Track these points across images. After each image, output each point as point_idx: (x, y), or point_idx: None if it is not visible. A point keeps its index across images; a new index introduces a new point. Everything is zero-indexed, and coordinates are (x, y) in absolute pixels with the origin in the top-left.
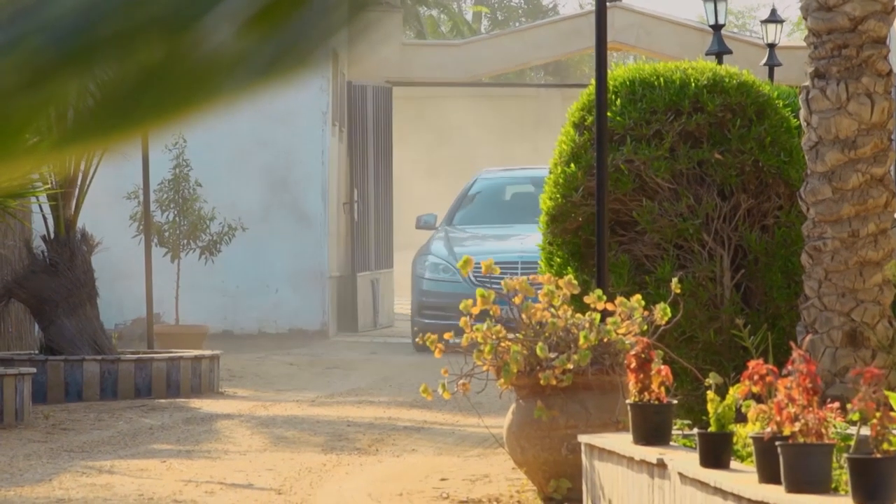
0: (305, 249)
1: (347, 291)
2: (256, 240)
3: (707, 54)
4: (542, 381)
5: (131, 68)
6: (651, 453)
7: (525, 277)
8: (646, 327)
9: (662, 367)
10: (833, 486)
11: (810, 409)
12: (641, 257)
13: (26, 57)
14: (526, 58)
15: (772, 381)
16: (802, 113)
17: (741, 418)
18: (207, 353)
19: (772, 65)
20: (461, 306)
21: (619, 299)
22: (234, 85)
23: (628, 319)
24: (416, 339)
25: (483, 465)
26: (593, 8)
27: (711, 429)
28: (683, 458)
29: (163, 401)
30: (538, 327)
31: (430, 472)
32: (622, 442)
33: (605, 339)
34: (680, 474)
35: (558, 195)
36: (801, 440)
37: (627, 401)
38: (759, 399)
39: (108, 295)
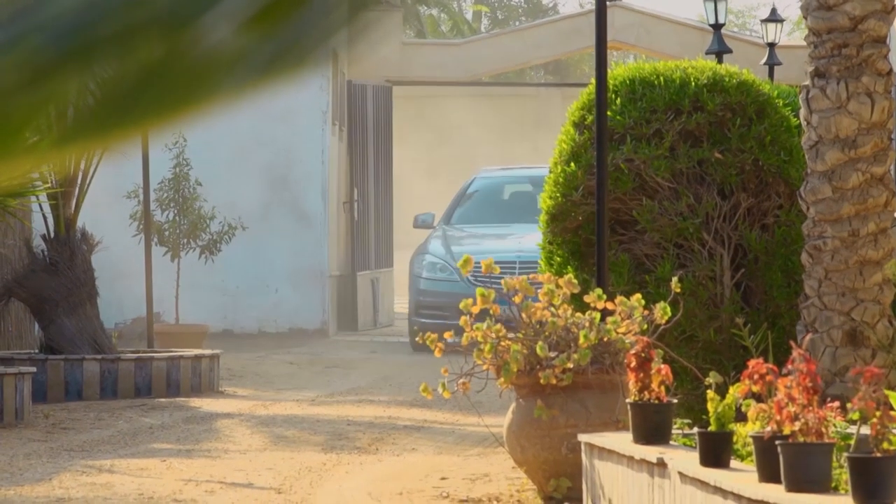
0: (305, 248)
1: (347, 290)
2: (256, 239)
3: (707, 53)
4: (542, 381)
5: (131, 67)
6: (651, 452)
7: (525, 276)
8: (646, 326)
9: (662, 366)
10: (833, 485)
11: (810, 408)
12: (641, 256)
13: (26, 56)
14: (526, 57)
15: (772, 380)
16: (802, 112)
17: (741, 417)
18: (207, 352)
19: (772, 64)
20: (461, 305)
21: (619, 298)
22: (233, 83)
23: (628, 318)
24: (417, 339)
25: (483, 464)
26: (593, 7)
27: (711, 428)
28: (683, 458)
29: (163, 400)
30: (538, 326)
31: (430, 472)
32: (622, 441)
33: (605, 339)
34: (680, 473)
35: (558, 194)
36: (801, 439)
37: (627, 400)
38: (759, 398)
39: (108, 294)
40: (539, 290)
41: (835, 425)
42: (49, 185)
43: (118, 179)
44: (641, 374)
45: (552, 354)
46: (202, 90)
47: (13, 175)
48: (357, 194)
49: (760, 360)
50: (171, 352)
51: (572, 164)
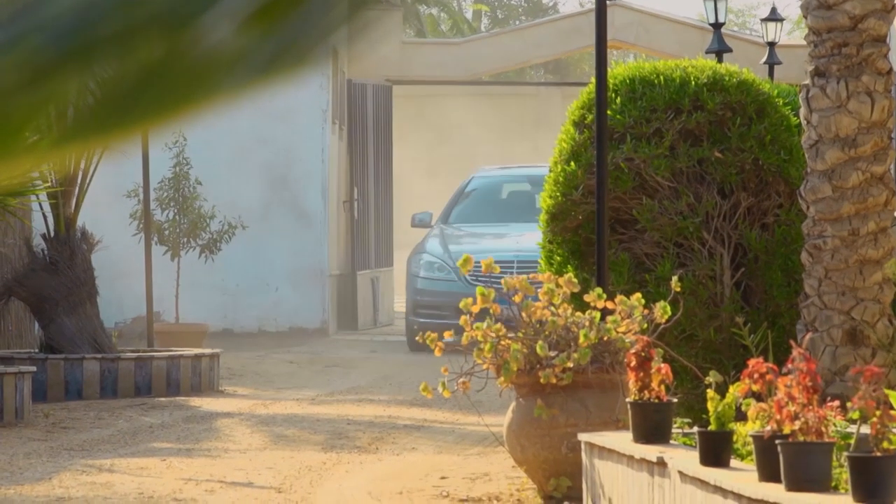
0: (305, 248)
1: (347, 290)
2: (256, 238)
3: (707, 52)
4: (542, 380)
5: (131, 66)
6: (651, 452)
7: (525, 276)
8: (646, 325)
9: (662, 365)
10: (833, 484)
11: (810, 407)
12: (641, 255)
13: (26, 55)
14: (526, 56)
15: (772, 379)
16: (802, 111)
17: (741, 417)
18: (207, 351)
19: (772, 63)
20: (461, 305)
21: (619, 298)
22: (233, 82)
23: (628, 318)
24: (416, 338)
25: (483, 463)
26: (593, 6)
27: (711, 427)
28: (683, 457)
29: (163, 399)
30: (538, 326)
31: (430, 471)
32: (622, 440)
33: (605, 338)
34: (680, 473)
35: (558, 193)
36: (801, 439)
37: (627, 399)
38: (759, 397)
39: (108, 293)
40: (539, 290)
41: (835, 424)
42: (49, 184)
43: (118, 178)
44: (641, 374)
45: (552, 354)
46: (202, 89)
47: (13, 174)
48: (357, 193)
49: (760, 359)
50: (171, 351)
51: (572, 163)
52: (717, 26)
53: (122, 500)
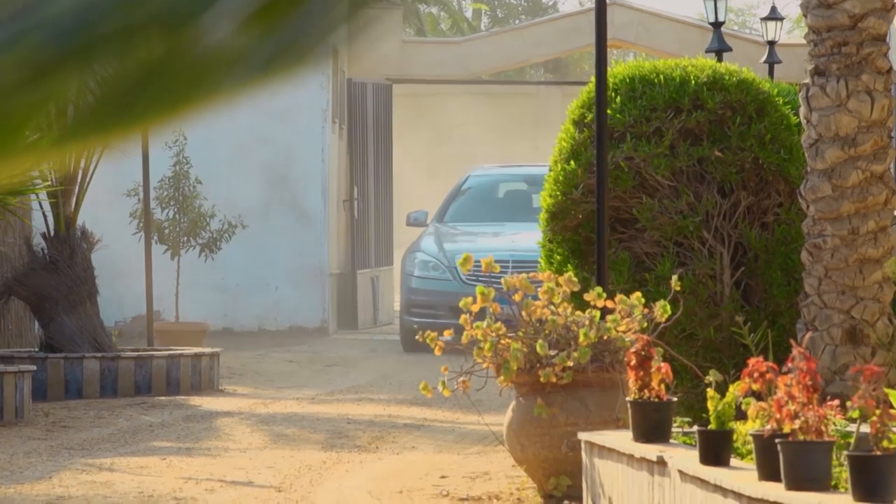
0: (305, 247)
1: (347, 289)
2: (256, 237)
3: (707, 51)
4: (542, 379)
5: (131, 65)
6: (651, 451)
7: (525, 275)
8: (646, 325)
9: (662, 364)
10: (833, 483)
11: (810, 406)
12: (641, 255)
13: (26, 54)
14: (526, 55)
15: (772, 378)
16: (802, 110)
17: (741, 416)
18: (207, 350)
19: (772, 62)
20: (461, 304)
21: (619, 297)
22: (233, 82)
23: (628, 317)
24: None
25: (483, 462)
26: (593, 5)
27: (711, 426)
28: (683, 456)
29: (163, 398)
30: (538, 324)
31: (430, 470)
32: (622, 439)
33: (605, 337)
34: (680, 472)
35: (558, 192)
36: (801, 438)
37: (627, 398)
38: (759, 396)
39: (108, 292)
40: (539, 289)
41: (835, 423)
42: (49, 183)
43: (118, 177)
44: (641, 373)
45: (552, 353)
46: (202, 88)
47: (13, 173)
48: (357, 192)
49: (760, 358)
50: (171, 350)
51: (572, 162)
52: (717, 25)
53: (122, 499)
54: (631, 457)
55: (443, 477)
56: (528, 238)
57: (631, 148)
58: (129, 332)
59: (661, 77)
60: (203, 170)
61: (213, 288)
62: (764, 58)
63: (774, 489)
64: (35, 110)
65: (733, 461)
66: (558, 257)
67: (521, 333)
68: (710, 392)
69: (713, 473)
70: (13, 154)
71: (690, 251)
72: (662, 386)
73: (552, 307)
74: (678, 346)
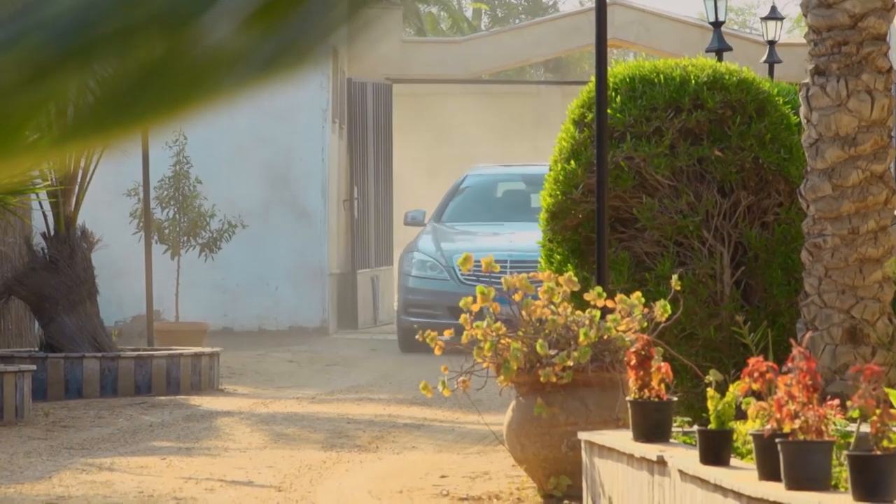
0: (305, 246)
1: (347, 288)
2: (256, 237)
3: (707, 51)
4: (542, 379)
5: (131, 65)
6: (651, 450)
7: (525, 274)
8: (646, 324)
9: (662, 364)
10: (833, 483)
11: (810, 406)
12: (641, 254)
13: (26, 54)
14: (526, 55)
15: (772, 378)
16: (802, 110)
17: (741, 415)
18: (207, 350)
19: (772, 62)
20: (461, 303)
21: (619, 296)
22: (233, 82)
23: (628, 316)
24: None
25: (483, 462)
26: (593, 5)
27: (711, 426)
28: (683, 456)
29: (163, 398)
30: (538, 324)
31: (430, 470)
32: (622, 439)
33: (605, 336)
34: (680, 471)
35: (558, 192)
36: (801, 437)
37: (627, 398)
38: (759, 396)
39: (108, 292)
40: (539, 288)
41: (835, 423)
42: (49, 182)
43: (118, 177)
44: (641, 372)
45: (552, 352)
46: (202, 88)
47: (13, 173)
48: (357, 192)
49: (760, 357)
50: (171, 350)
51: (572, 161)
52: (717, 25)
53: (122, 499)
54: (631, 456)
55: (443, 476)
56: (527, 238)
57: (631, 147)
58: (129, 332)
59: (662, 77)
60: (203, 170)
61: (213, 288)
62: (764, 57)
63: (774, 489)
64: (35, 110)
65: (733, 461)
66: (558, 257)
67: (521, 333)
68: (710, 392)
69: (713, 473)
70: (13, 154)
71: (690, 251)
72: (662, 385)
73: (552, 307)
74: (678, 345)
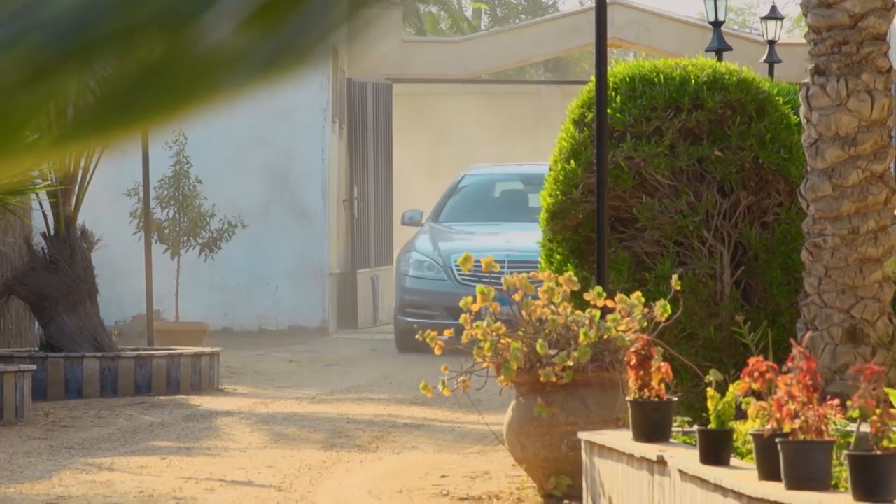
0: (305, 246)
1: (347, 288)
2: (256, 237)
3: (707, 51)
4: (542, 378)
5: (131, 65)
6: (651, 450)
7: (525, 274)
8: (646, 324)
9: (662, 363)
10: (833, 482)
11: (810, 406)
12: (641, 254)
13: (26, 54)
14: (526, 55)
15: (772, 377)
16: (802, 110)
17: (741, 415)
18: (207, 350)
19: (772, 61)
20: (461, 303)
21: (619, 296)
22: (233, 82)
23: (628, 316)
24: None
25: (483, 462)
26: (593, 5)
27: (711, 426)
28: (683, 455)
29: (163, 398)
30: (538, 324)
31: (430, 469)
32: (622, 439)
33: (605, 336)
34: (680, 471)
35: (558, 192)
36: (801, 437)
37: (627, 398)
38: (759, 396)
39: (108, 292)
40: (539, 288)
41: (835, 423)
42: (49, 182)
43: (118, 177)
44: (641, 372)
45: (552, 352)
46: (202, 88)
47: (13, 173)
48: (357, 192)
49: (760, 357)
50: (171, 349)
51: (572, 161)
52: (717, 25)
53: (123, 499)
54: (631, 456)
55: (443, 476)
56: (524, 238)
57: (631, 147)
58: (129, 332)
59: (662, 76)
60: (203, 169)
61: (213, 288)
62: (764, 57)
63: (774, 489)
64: (35, 110)
65: (733, 461)
66: (558, 257)
67: (521, 333)
68: (710, 391)
69: (713, 473)
70: (13, 154)
71: (690, 250)
72: (662, 385)
73: (552, 307)
74: (678, 345)
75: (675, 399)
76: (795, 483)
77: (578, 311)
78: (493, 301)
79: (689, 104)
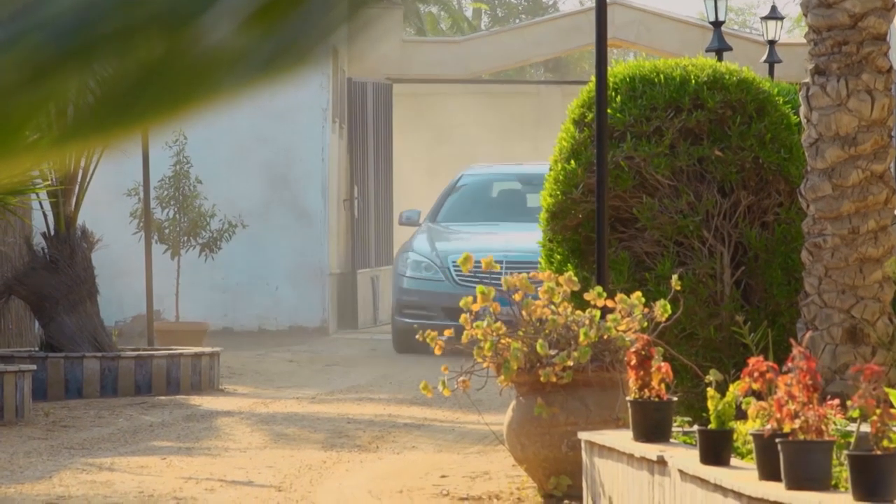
0: (305, 246)
1: (347, 288)
2: (256, 237)
3: (707, 51)
4: (542, 378)
5: (131, 65)
6: (651, 450)
7: (525, 274)
8: (646, 324)
9: (662, 363)
10: (833, 483)
11: (810, 406)
12: (641, 254)
13: (27, 54)
14: (526, 54)
15: (772, 377)
16: (802, 110)
17: (741, 415)
18: (207, 350)
19: (772, 61)
20: (462, 303)
21: (620, 296)
22: (233, 81)
23: (628, 316)
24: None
25: (483, 462)
26: (593, 5)
27: (711, 426)
28: (683, 455)
29: (163, 398)
30: (538, 324)
31: (430, 469)
32: (622, 439)
33: (606, 336)
34: (680, 471)
35: (558, 192)
36: (802, 437)
37: (627, 398)
38: (759, 396)
39: (108, 292)
40: (539, 288)
41: (835, 423)
42: (49, 182)
43: (118, 177)
44: (641, 372)
45: (552, 352)
46: (202, 88)
47: (13, 173)
48: (357, 192)
49: (760, 357)
50: (172, 350)
51: (572, 161)
52: (717, 24)
53: (123, 499)
54: (631, 456)
55: (443, 476)
56: (522, 238)
57: (631, 147)
58: (129, 332)
59: (662, 76)
60: (203, 169)
61: (213, 288)
62: (764, 57)
63: (775, 489)
64: (35, 110)
65: (733, 461)
66: (558, 257)
67: (521, 333)
68: (711, 391)
69: (713, 473)
70: (13, 154)
71: (690, 250)
72: (662, 385)
73: (552, 307)
74: (678, 345)
75: (676, 399)
76: (795, 483)
77: (578, 311)
78: (493, 301)
79: (689, 104)
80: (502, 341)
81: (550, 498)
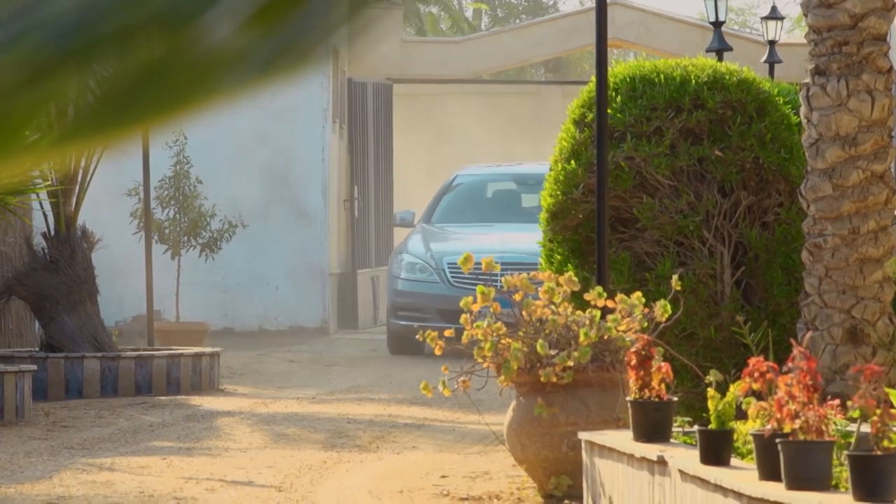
0: (306, 246)
1: (348, 288)
2: (257, 237)
3: (707, 51)
4: (542, 379)
5: (131, 65)
6: (651, 450)
7: (525, 274)
8: (646, 324)
9: (663, 364)
10: (833, 483)
11: (811, 406)
12: (642, 254)
13: (27, 54)
14: (526, 55)
15: (772, 378)
16: (803, 110)
17: (741, 415)
18: (208, 350)
19: (772, 62)
20: (462, 303)
21: (620, 296)
22: (234, 82)
23: (629, 316)
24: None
25: (483, 462)
26: (594, 5)
27: (712, 426)
28: (684, 456)
29: (163, 398)
30: (538, 324)
31: (430, 470)
32: (622, 439)
33: (606, 336)
34: (680, 471)
35: (559, 192)
36: (802, 437)
37: (628, 398)
38: (759, 396)
39: (108, 292)
40: (539, 288)
41: (835, 423)
42: (49, 182)
43: (118, 177)
44: (642, 372)
45: (552, 352)
46: (203, 88)
47: (14, 173)
48: (357, 192)
49: (761, 357)
50: (172, 350)
51: (573, 161)
52: (717, 25)
53: (123, 499)
54: (631, 456)
55: (443, 476)
56: (518, 238)
57: (631, 147)
58: (130, 332)
59: (662, 76)
60: (203, 169)
61: (214, 287)
62: (764, 57)
63: (775, 489)
64: (35, 110)
65: (734, 461)
66: (559, 257)
67: (521, 333)
68: (711, 392)
69: (713, 473)
70: (13, 154)
71: (691, 251)
72: (663, 385)
73: (552, 307)
74: (678, 345)
75: (676, 399)
76: (796, 483)
77: (579, 312)
78: (494, 301)
79: (689, 104)
80: (502, 341)
81: (551, 498)
